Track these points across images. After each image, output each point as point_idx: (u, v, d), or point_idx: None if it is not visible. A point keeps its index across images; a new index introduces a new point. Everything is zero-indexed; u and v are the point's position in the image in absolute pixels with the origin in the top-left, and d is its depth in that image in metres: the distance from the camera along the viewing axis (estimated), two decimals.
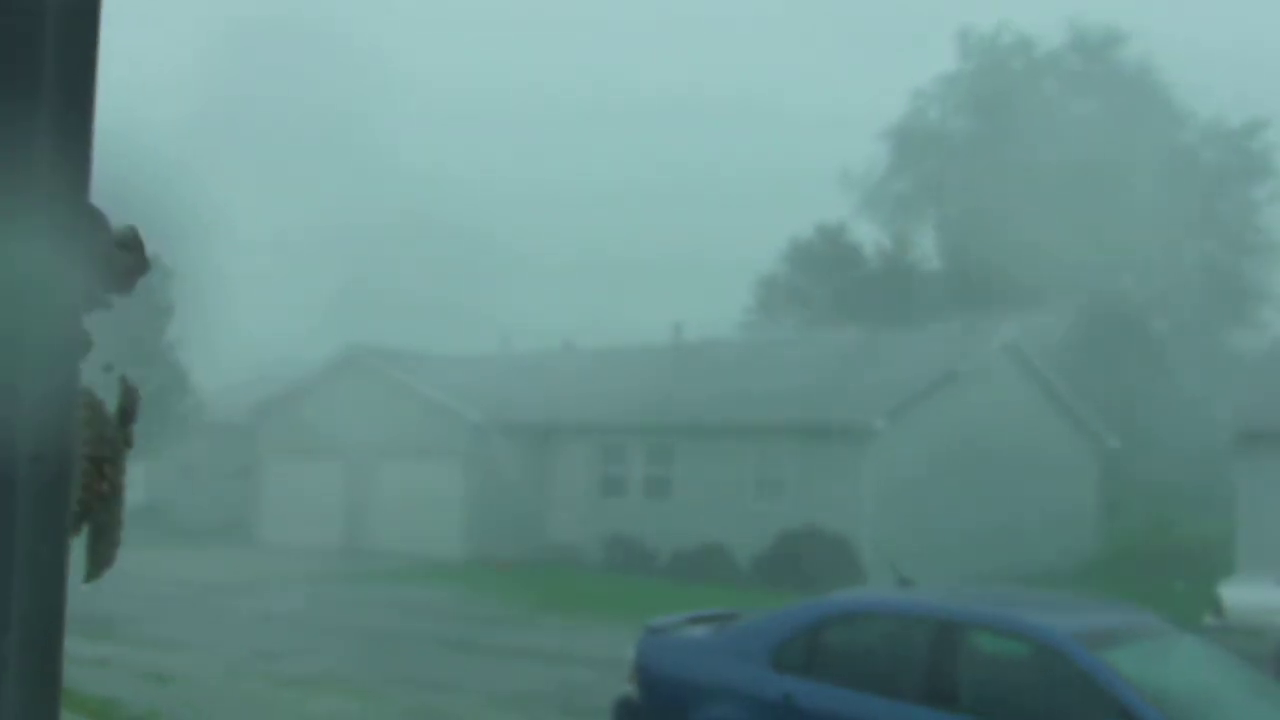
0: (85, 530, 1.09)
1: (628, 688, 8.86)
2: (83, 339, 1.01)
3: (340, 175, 51.45)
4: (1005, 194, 38.01)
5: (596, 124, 58.19)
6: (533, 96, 60.95)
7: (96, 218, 1.11)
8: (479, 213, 50.24)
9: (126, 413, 1.21)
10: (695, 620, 9.30)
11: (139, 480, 32.82)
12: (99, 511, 1.13)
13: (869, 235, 44.94)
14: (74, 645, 1.13)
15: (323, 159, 49.89)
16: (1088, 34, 41.61)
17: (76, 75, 0.97)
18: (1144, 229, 34.71)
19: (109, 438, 1.17)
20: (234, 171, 34.79)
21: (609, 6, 67.15)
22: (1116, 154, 37.57)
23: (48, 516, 0.88)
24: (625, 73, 60.91)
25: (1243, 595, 15.32)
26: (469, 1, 65.00)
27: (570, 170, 57.27)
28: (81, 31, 0.98)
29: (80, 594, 1.07)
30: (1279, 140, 38.39)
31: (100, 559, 1.15)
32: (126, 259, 1.20)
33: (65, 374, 0.92)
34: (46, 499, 0.88)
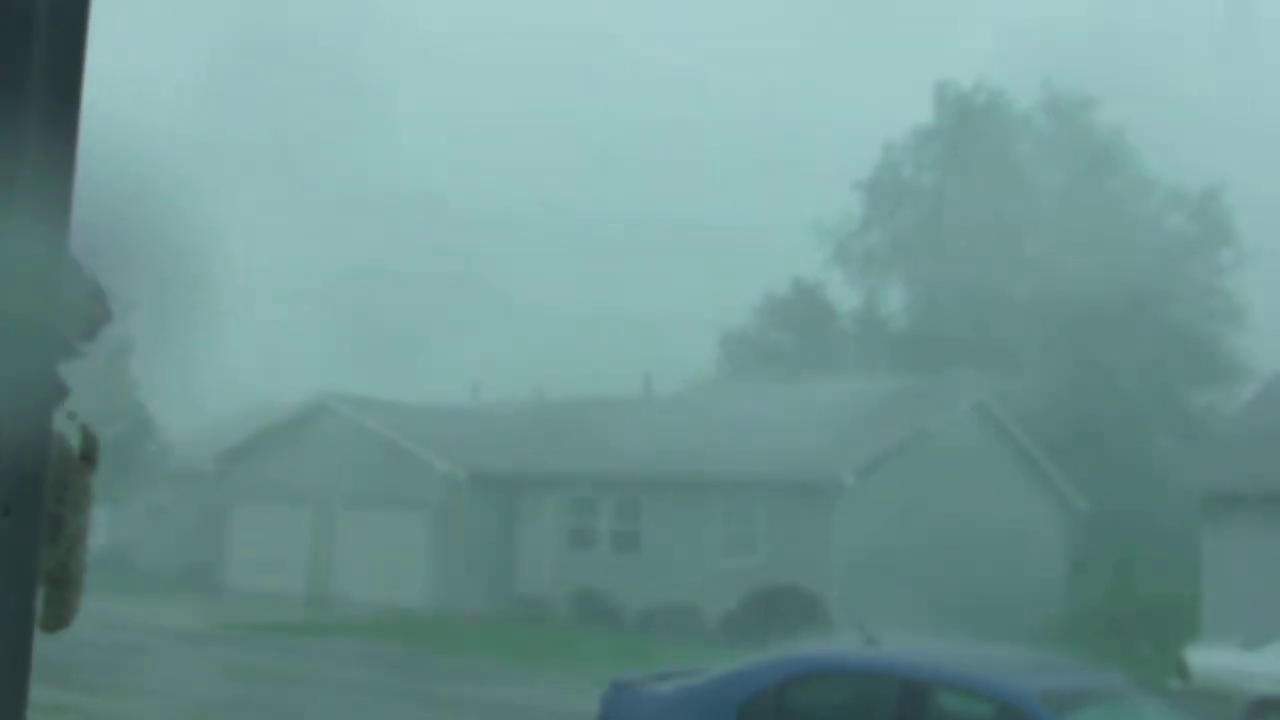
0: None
1: None
2: (59, 388, 1.01)
3: (314, 215, 51.32)
4: (974, 253, 38.34)
5: (569, 174, 58.45)
6: (508, 145, 61.13)
7: (72, 267, 1.11)
8: (451, 260, 50.15)
9: (88, 459, 1.20)
10: (662, 677, 9.25)
11: (101, 524, 32.43)
12: (68, 559, 1.12)
13: (840, 290, 45.14)
14: (31, 691, 1.12)
15: (301, 199, 49.78)
16: (1061, 98, 42.20)
17: (63, 83, 0.98)
18: (1112, 291, 35.02)
19: (74, 483, 1.16)
20: (209, 212, 34.65)
21: (586, 56, 67.71)
22: (1085, 217, 38.01)
23: (17, 567, 0.89)
24: (599, 123, 61.29)
25: (1208, 659, 15.36)
26: (451, 37, 65.22)
27: (542, 220, 57.45)
28: (70, 42, 0.99)
29: (38, 640, 1.06)
30: (1238, 204, 38.94)
31: (68, 607, 1.14)
32: (94, 309, 1.20)
33: (39, 425, 0.93)
34: (16, 549, 0.88)
